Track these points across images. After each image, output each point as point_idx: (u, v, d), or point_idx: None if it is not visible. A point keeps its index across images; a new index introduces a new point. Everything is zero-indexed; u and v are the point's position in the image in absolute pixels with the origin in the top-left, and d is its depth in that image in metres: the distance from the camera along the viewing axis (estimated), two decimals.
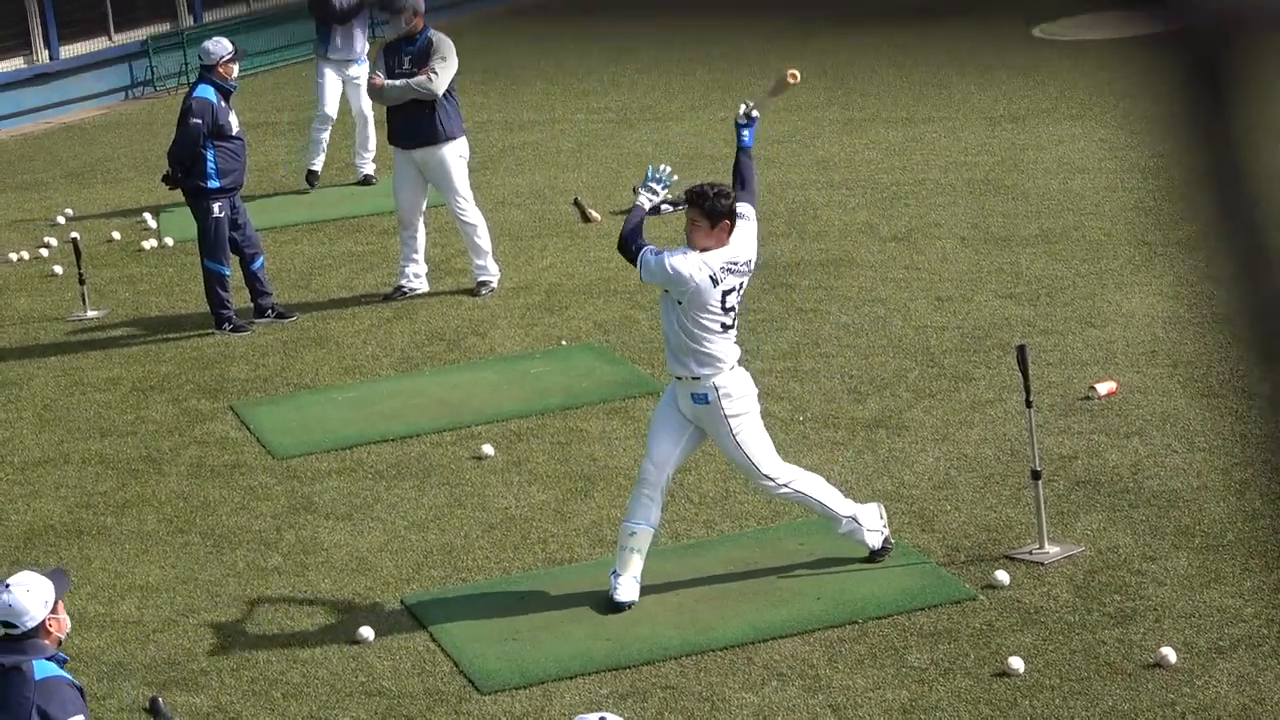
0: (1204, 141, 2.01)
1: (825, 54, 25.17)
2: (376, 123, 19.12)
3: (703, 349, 10.02)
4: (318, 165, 20.14)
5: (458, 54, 15.81)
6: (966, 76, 23.00)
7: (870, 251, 16.24)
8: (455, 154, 15.74)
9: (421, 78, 15.48)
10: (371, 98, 16.42)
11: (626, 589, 10.19)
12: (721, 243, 10.04)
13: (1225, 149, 2.02)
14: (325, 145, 20.14)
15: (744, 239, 10.16)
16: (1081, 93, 21.65)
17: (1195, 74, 2.08)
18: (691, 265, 9.96)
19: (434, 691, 9.53)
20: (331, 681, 9.71)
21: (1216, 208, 2.05)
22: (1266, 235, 2.05)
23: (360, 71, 19.60)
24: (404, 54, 15.72)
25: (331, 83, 19.91)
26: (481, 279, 16.05)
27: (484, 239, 15.97)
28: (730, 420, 10.08)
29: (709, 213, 10.01)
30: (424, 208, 15.97)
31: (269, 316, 15.70)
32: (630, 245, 10.15)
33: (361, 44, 19.94)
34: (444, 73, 15.55)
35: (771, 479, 10.19)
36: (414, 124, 15.62)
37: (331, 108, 19.94)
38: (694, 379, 10.06)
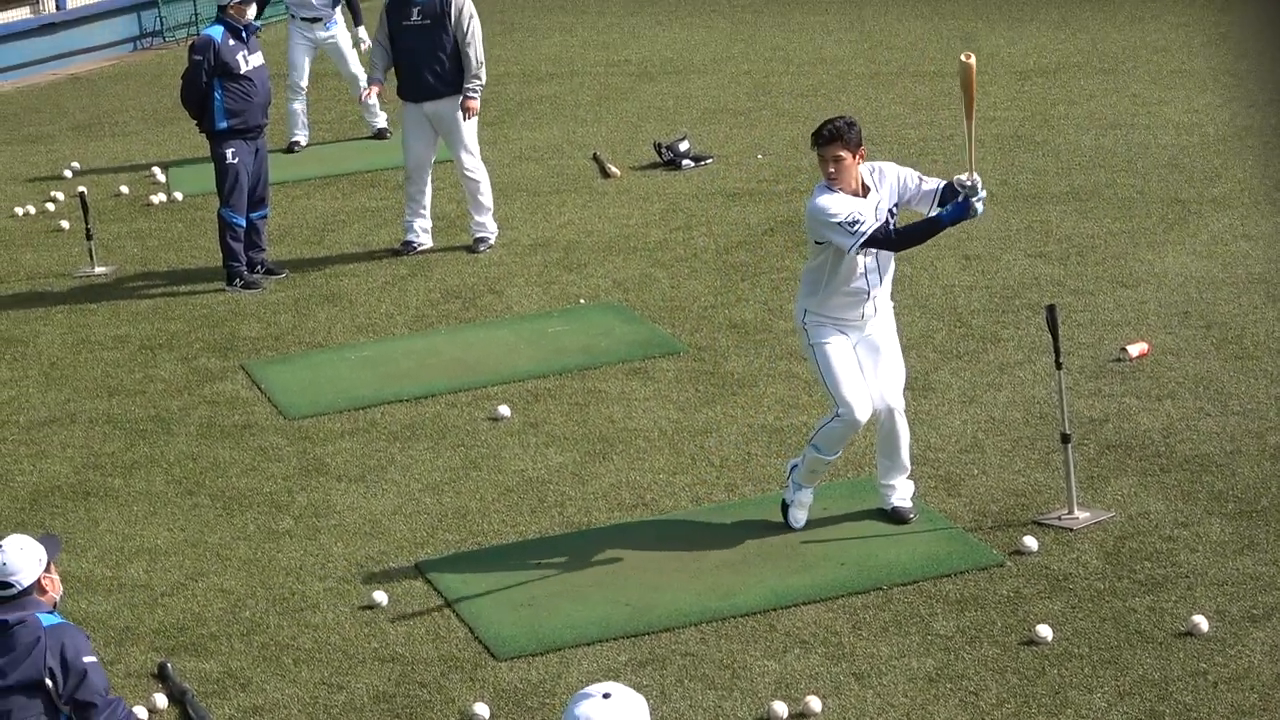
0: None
1: (852, 6, 24.90)
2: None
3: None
4: (301, 138, 19.57)
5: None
6: (996, 29, 22.75)
7: None
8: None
9: (474, 83, 15.26)
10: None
11: (804, 515, 10.40)
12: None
13: None
14: (304, 117, 19.50)
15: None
16: (1114, 46, 21.40)
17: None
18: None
19: (449, 658, 9.37)
20: (344, 647, 9.55)
21: None
22: None
23: (338, 32, 19.07)
24: (413, 5, 15.34)
25: (299, 49, 19.19)
26: (479, 235, 15.84)
27: (486, 196, 15.74)
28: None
29: (853, 143, 10.44)
30: (432, 162, 15.73)
31: (258, 272, 15.43)
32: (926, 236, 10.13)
33: None
34: (478, 43, 15.30)
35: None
36: (423, 76, 15.33)
37: (300, 76, 19.21)
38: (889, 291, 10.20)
